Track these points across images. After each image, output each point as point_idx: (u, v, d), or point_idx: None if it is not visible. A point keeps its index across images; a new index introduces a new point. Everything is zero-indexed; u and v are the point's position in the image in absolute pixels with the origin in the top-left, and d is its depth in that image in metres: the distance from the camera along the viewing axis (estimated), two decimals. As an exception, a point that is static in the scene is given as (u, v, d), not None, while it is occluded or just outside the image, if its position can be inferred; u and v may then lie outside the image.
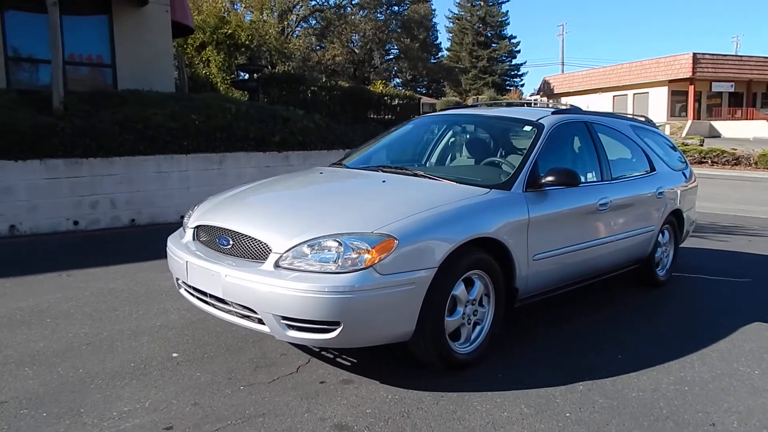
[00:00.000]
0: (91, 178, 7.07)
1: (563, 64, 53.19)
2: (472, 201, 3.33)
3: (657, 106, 37.68)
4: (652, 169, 5.03)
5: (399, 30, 40.84)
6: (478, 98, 41.05)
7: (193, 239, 3.43)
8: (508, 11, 52.31)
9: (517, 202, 3.51)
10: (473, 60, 51.34)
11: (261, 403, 2.83)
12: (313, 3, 35.39)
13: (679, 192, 5.29)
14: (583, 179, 4.32)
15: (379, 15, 39.66)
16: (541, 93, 48.22)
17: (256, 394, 2.91)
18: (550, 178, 3.64)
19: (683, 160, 5.85)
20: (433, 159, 4.60)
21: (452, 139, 4.72)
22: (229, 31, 15.94)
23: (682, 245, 5.87)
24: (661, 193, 4.91)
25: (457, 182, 3.60)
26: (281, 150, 8.84)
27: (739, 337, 4.00)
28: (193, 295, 3.33)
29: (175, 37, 11.70)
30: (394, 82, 46.75)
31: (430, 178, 3.69)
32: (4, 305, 4.19)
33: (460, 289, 3.15)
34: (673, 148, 5.85)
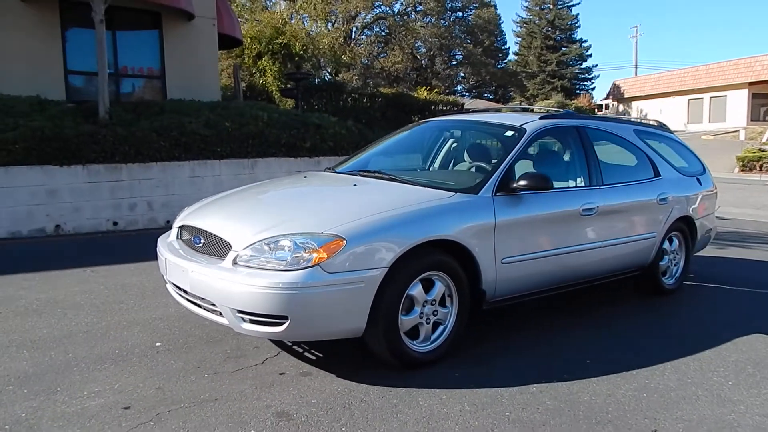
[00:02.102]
0: (129, 182, 7.62)
1: (636, 67, 51.32)
2: (432, 204, 3.42)
3: (736, 109, 35.61)
4: (657, 174, 4.91)
5: (463, 35, 40.72)
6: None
7: (177, 238, 3.71)
8: (578, 14, 50.81)
9: (482, 206, 3.57)
10: (541, 64, 50.28)
11: (218, 389, 3.03)
12: (377, 11, 35.90)
13: (688, 199, 5.12)
14: (572, 183, 4.32)
15: (443, 21, 39.68)
16: (611, 97, 46.66)
17: (217, 382, 3.12)
18: (522, 182, 3.68)
19: (701, 166, 5.65)
20: (421, 163, 4.71)
21: (442, 145, 4.80)
22: (284, 42, 16.53)
23: (711, 253, 5.63)
24: (663, 199, 4.78)
25: (427, 186, 3.70)
26: (312, 155, 9.16)
27: (729, 347, 3.86)
28: (175, 291, 3.60)
29: (224, 48, 12.31)
30: (459, 88, 46.62)
31: (399, 181, 3.81)
32: (26, 296, 4.63)
33: (417, 289, 3.25)
34: (691, 153, 5.67)
